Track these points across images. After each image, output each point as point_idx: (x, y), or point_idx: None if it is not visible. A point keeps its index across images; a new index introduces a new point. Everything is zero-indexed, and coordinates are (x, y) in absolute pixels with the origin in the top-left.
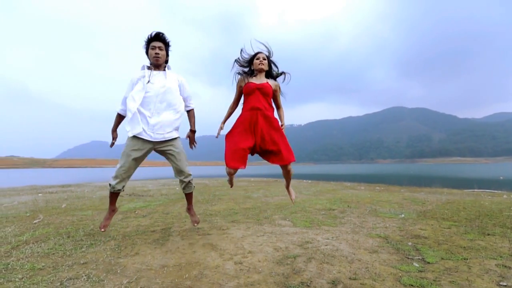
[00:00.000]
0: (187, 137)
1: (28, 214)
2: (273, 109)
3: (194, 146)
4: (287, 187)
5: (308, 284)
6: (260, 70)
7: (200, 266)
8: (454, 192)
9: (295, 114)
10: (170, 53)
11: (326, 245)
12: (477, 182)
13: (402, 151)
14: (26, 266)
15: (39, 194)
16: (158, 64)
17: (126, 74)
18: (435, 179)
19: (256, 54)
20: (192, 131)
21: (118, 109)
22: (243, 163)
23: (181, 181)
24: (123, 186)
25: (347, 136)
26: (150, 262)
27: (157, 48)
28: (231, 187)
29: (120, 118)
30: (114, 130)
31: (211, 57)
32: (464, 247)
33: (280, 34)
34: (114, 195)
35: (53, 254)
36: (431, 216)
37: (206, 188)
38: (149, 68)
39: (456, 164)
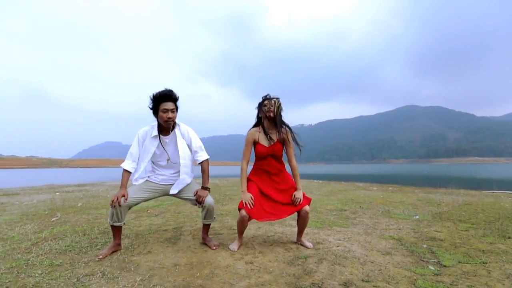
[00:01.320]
0: (195, 194)
1: (46, 212)
2: (284, 165)
3: (201, 205)
4: (300, 238)
5: (320, 285)
6: (269, 117)
7: (211, 265)
8: (472, 193)
9: (305, 114)
10: (182, 58)
11: (337, 246)
12: (496, 183)
13: (415, 150)
14: (45, 262)
15: (57, 193)
16: (169, 126)
17: (136, 77)
18: (451, 180)
19: (264, 100)
20: (205, 189)
21: (127, 166)
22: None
23: (203, 208)
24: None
25: (359, 135)
26: (163, 261)
27: (170, 111)
28: (240, 236)
29: (128, 174)
30: (124, 187)
31: (222, 58)
32: (483, 250)
33: (290, 34)
34: (116, 228)
35: (70, 251)
36: (447, 218)
37: (217, 188)
38: (158, 129)
39: (473, 164)
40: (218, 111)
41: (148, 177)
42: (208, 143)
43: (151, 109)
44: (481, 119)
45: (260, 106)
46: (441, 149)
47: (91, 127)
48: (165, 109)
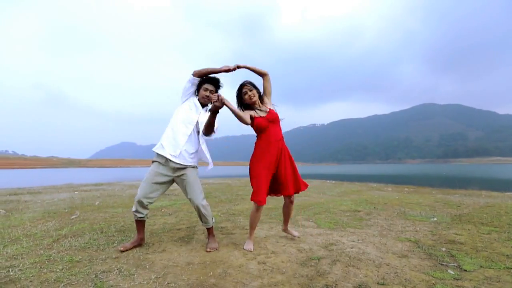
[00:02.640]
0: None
1: (66, 210)
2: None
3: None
4: (286, 227)
5: (333, 287)
6: (254, 103)
7: (224, 264)
8: (494, 195)
9: (318, 113)
10: (200, 60)
11: (351, 248)
12: None
13: (433, 150)
14: (65, 259)
15: (75, 192)
16: (205, 104)
17: (150, 80)
18: (471, 181)
19: (240, 87)
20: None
21: (193, 72)
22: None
23: (197, 209)
24: (147, 213)
25: (373, 135)
26: (176, 259)
27: (209, 91)
28: (252, 232)
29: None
30: (216, 69)
31: (234, 58)
32: (507, 255)
33: (303, 33)
34: (140, 222)
35: (89, 248)
36: (468, 220)
37: (229, 188)
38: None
39: (496, 164)
40: (229, 112)
41: (161, 148)
42: (220, 143)
43: (192, 84)
44: (504, 117)
45: (239, 96)
46: (461, 149)
47: (107, 129)
48: (206, 88)
